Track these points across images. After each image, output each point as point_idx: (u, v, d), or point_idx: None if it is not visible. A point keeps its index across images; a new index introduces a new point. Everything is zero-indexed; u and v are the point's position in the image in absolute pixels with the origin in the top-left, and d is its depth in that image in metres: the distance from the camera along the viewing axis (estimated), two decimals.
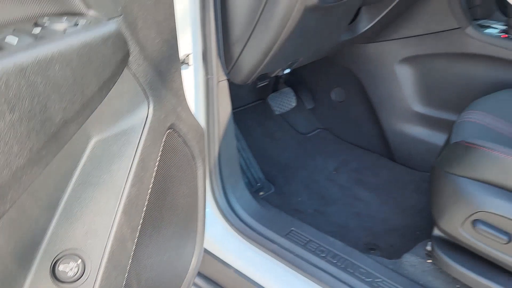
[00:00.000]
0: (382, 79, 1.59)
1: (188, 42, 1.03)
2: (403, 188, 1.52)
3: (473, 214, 0.89)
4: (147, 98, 0.65)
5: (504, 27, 1.41)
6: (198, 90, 1.07)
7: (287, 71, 1.30)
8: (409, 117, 1.59)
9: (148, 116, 0.65)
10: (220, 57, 1.06)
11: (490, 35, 1.38)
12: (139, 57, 0.63)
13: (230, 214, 1.15)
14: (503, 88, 1.31)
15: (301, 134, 1.80)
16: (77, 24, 0.48)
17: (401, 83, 1.56)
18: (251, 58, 1.06)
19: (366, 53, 1.57)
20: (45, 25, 0.46)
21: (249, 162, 1.49)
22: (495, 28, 1.43)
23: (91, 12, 0.54)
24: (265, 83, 1.57)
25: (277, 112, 1.73)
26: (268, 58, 1.07)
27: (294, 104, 1.75)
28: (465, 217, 0.90)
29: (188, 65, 1.05)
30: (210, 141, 1.08)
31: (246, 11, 1.00)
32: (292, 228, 1.17)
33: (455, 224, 0.92)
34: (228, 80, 1.11)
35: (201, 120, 1.07)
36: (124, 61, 0.56)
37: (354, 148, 1.74)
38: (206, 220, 0.90)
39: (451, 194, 0.93)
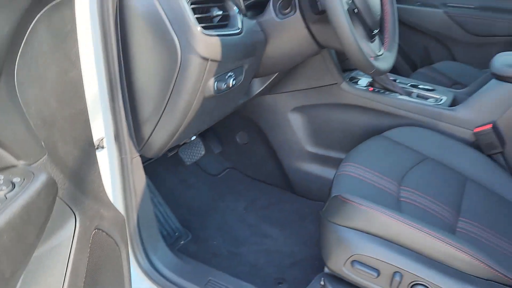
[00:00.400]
0: (278, 125, 1.81)
1: (100, 126, 1.14)
2: (304, 219, 1.75)
3: (351, 256, 1.12)
4: (74, 213, 0.77)
5: (370, 80, 1.70)
6: (114, 169, 1.18)
7: (193, 138, 1.45)
8: (304, 156, 1.83)
9: (76, 228, 0.76)
10: (131, 137, 1.19)
11: (360, 88, 1.66)
12: (63, 181, 0.75)
13: (153, 273, 1.28)
14: (374, 133, 1.59)
15: (212, 176, 1.97)
16: (14, 185, 0.59)
17: (294, 128, 1.79)
18: (161, 136, 1.20)
19: (263, 104, 1.79)
20: None
21: (166, 215, 1.62)
22: (365, 81, 1.72)
23: (21, 162, 0.65)
24: (174, 152, 1.71)
25: (188, 163, 1.87)
26: (176, 135, 1.22)
27: (203, 152, 1.91)
28: (345, 259, 1.13)
29: (103, 148, 1.16)
30: (129, 214, 1.20)
31: (154, 99, 1.15)
32: (210, 278, 1.33)
33: (339, 264, 1.14)
34: (141, 155, 1.24)
35: (119, 197, 1.19)
36: (54, 199, 0.68)
37: (261, 185, 1.95)
38: (133, 283, 1.03)
39: (333, 240, 1.16)
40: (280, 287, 1.42)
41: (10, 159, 0.61)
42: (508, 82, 1.46)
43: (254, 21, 1.23)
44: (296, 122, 1.79)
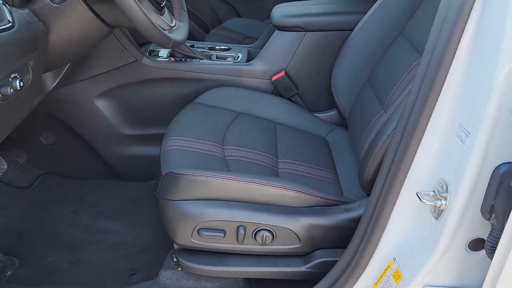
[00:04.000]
0: (87, 116, 1.68)
1: None
2: (139, 203, 1.71)
3: (196, 226, 1.15)
4: None
5: (170, 51, 1.70)
6: None
7: None
8: (123, 140, 1.76)
9: None
10: None
11: (162, 61, 1.65)
12: None
13: None
14: (186, 101, 1.62)
15: (24, 189, 1.74)
16: None
17: (106, 114, 1.69)
18: None
19: (63, 97, 1.62)
20: None
21: None
22: (165, 52, 1.71)
23: None
24: None
25: None
26: None
27: (5, 166, 1.67)
28: (191, 230, 1.16)
29: None
30: None
31: None
32: None
33: (187, 237, 1.17)
34: None
35: None
36: None
37: (85, 182, 1.81)
38: None
39: (175, 216, 1.17)
40: (134, 278, 1.38)
41: None
42: (288, 31, 1.64)
43: (26, 10, 1.08)
44: (106, 108, 1.69)
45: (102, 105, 1.68)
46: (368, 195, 1.18)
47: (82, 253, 1.49)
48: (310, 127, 1.60)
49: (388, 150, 0.94)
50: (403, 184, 0.90)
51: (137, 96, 1.68)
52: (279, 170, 1.34)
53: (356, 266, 1.00)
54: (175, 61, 1.65)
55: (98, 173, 1.83)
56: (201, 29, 2.47)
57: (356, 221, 1.15)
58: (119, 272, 1.41)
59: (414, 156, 0.87)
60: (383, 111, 1.28)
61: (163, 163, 1.27)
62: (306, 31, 1.61)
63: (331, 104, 1.66)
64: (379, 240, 0.97)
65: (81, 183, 1.80)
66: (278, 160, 1.38)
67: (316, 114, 1.66)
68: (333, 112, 1.66)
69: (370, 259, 0.99)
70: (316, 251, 1.20)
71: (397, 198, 0.92)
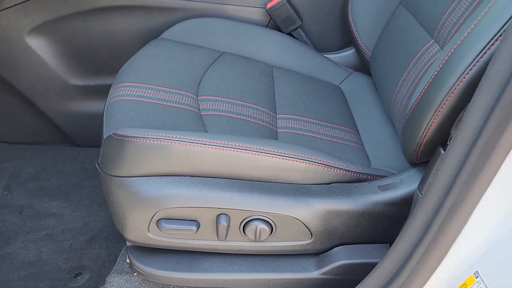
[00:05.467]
0: (19, 60, 1.25)
1: None
2: (94, 176, 1.31)
3: (154, 215, 0.75)
4: None
5: None
6: None
7: None
8: (71, 94, 1.33)
9: None
10: None
11: None
12: None
13: None
14: (150, 37, 1.19)
15: None
16: None
17: (44, 58, 1.26)
18: None
19: None
20: None
21: None
22: None
23: None
24: None
25: None
26: None
27: None
28: (148, 221, 0.76)
29: None
30: None
31: None
32: None
33: (141, 231, 0.78)
34: None
35: None
36: None
37: (26, 149, 1.40)
38: None
39: (123, 200, 0.77)
40: (79, 281, 1.00)
41: None
42: None
43: None
44: (43, 49, 1.25)
45: (37, 44, 1.24)
46: (415, 165, 0.78)
47: (12, 245, 1.10)
48: (319, 72, 1.19)
49: (478, 100, 0.53)
50: (506, 157, 0.50)
51: (84, 33, 1.24)
52: (278, 130, 0.93)
53: (409, 282, 0.62)
54: None
55: (42, 136, 1.42)
56: None
57: (396, 204, 0.77)
58: (59, 272, 1.03)
59: None
60: (433, 40, 0.86)
61: (106, 121, 0.85)
62: None
63: (347, 40, 1.24)
64: (451, 243, 0.58)
65: (19, 149, 1.39)
66: (277, 115, 0.97)
67: (326, 55, 1.23)
68: (349, 52, 1.23)
69: (435, 270, 0.60)
70: (335, 249, 0.81)
71: (491, 178, 0.52)
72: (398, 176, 0.79)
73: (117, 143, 0.76)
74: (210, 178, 0.76)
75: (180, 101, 0.91)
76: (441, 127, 0.66)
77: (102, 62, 1.29)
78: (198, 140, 0.74)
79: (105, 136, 0.81)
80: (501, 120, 0.49)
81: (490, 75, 0.51)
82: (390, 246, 0.81)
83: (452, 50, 0.65)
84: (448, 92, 0.63)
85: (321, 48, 1.25)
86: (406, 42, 0.95)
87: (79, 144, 1.43)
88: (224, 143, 0.74)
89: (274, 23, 1.22)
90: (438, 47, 0.84)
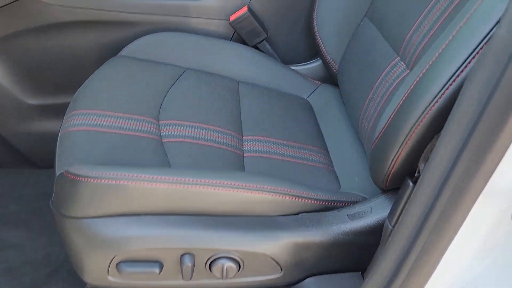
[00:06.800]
0: None
1: None
2: None
3: (113, 258, 0.71)
4: None
5: None
6: None
7: None
8: (29, 113, 1.26)
9: None
10: None
11: None
12: None
13: None
14: (109, 55, 1.13)
15: None
16: None
17: None
18: None
19: None
20: None
21: None
22: None
23: None
24: None
25: None
26: None
27: None
28: (107, 264, 0.72)
29: None
30: None
31: None
32: None
33: (101, 274, 0.73)
34: None
35: None
36: None
37: None
38: None
39: (81, 242, 0.72)
40: None
41: None
42: None
43: None
44: None
45: None
46: (385, 191, 0.76)
47: None
48: (287, 85, 1.15)
49: (450, 128, 0.50)
50: (480, 192, 0.48)
51: (37, 50, 1.17)
52: (244, 154, 0.89)
53: None
54: None
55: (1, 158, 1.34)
56: None
57: (367, 233, 0.75)
58: None
59: (508, 148, 0.44)
60: (398, 57, 0.84)
61: (59, 156, 0.80)
62: None
63: (314, 51, 1.21)
64: (429, 273, 0.56)
65: None
66: (244, 137, 0.94)
67: (293, 67, 1.20)
68: (316, 64, 1.20)
69: None
70: (306, 280, 0.79)
71: (461, 222, 0.50)
72: (368, 203, 0.77)
73: (71, 182, 0.71)
74: (172, 216, 0.72)
75: (140, 128, 0.86)
76: (408, 158, 0.64)
77: (60, 80, 1.23)
78: (158, 178, 0.69)
79: (57, 173, 0.75)
80: (470, 163, 0.46)
81: (461, 108, 0.48)
82: (362, 273, 0.79)
83: (418, 78, 0.63)
84: (415, 123, 0.60)
85: (287, 60, 1.22)
86: (372, 57, 0.93)
87: (40, 166, 1.36)
88: (186, 180, 0.70)
89: (239, 36, 1.18)
90: (404, 66, 0.82)
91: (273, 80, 1.15)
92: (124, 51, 1.10)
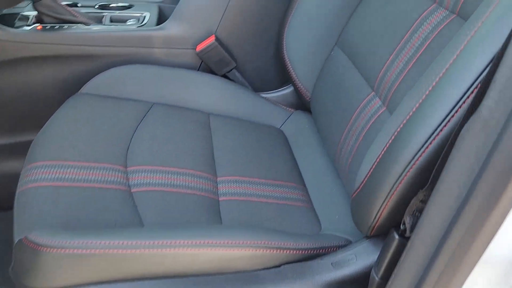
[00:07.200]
0: None
1: None
2: None
3: None
4: None
5: (35, 14, 1.10)
6: None
7: None
8: None
9: None
10: None
11: (23, 31, 1.06)
12: None
13: None
14: (69, 91, 1.06)
15: None
16: None
17: None
18: None
19: None
20: None
21: None
22: (28, 17, 1.11)
23: None
24: None
25: None
26: None
27: None
28: None
29: None
30: None
31: None
32: None
33: None
34: None
35: None
36: None
37: None
38: None
39: None
40: None
41: None
42: None
43: None
44: None
45: None
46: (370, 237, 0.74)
47: None
48: (259, 115, 1.12)
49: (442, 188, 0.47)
50: (477, 261, 0.45)
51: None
52: (220, 198, 0.85)
53: None
54: (44, 29, 1.07)
55: None
56: None
57: (352, 281, 0.72)
58: None
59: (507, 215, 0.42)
60: (373, 93, 0.82)
61: (16, 217, 0.74)
62: None
63: (285, 78, 1.18)
64: None
65: None
66: (218, 178, 0.89)
67: (265, 95, 1.17)
68: (288, 90, 1.17)
69: None
70: None
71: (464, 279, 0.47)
72: (352, 249, 0.74)
73: (31, 251, 0.64)
74: (147, 281, 0.67)
75: (107, 178, 0.81)
76: (392, 212, 0.61)
77: (18, 119, 1.15)
78: (130, 243, 0.64)
79: (16, 239, 0.69)
80: (466, 236, 0.44)
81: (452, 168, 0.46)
82: None
83: (398, 128, 0.60)
84: (398, 178, 0.58)
85: (258, 88, 1.18)
86: (346, 89, 0.90)
87: (2, 207, 1.27)
88: (161, 243, 0.65)
89: (207, 65, 1.14)
90: (380, 102, 0.79)
91: (245, 110, 1.11)
92: (85, 88, 1.04)
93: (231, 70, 1.14)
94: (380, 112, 0.78)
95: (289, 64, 1.08)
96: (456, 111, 0.53)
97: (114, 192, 0.79)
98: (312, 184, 0.94)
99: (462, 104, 0.52)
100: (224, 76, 1.15)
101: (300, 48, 1.07)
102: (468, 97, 0.52)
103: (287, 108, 1.15)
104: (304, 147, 1.05)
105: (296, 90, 1.10)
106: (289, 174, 0.95)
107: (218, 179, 0.89)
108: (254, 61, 1.17)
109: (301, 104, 1.14)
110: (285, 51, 1.08)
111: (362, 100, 0.83)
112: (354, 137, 0.82)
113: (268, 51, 1.16)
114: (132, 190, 0.81)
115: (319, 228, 0.84)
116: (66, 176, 0.78)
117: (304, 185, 0.94)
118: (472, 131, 0.41)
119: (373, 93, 0.82)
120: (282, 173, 0.95)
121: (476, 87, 0.51)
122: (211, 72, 1.14)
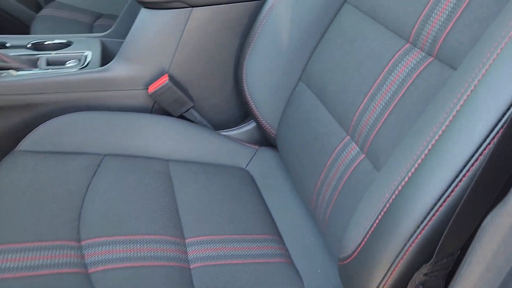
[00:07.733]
0: None
1: None
2: None
3: None
4: None
5: None
6: None
7: None
8: None
9: None
10: None
11: None
12: None
13: None
14: (3, 152, 0.93)
15: None
16: None
17: None
18: None
19: None
20: None
21: None
22: None
23: None
24: None
25: None
26: None
27: None
28: None
29: None
30: None
31: None
32: None
33: None
34: None
35: None
36: None
37: None
38: None
39: None
40: None
41: None
42: (164, 8, 1.00)
43: None
44: None
45: None
46: None
47: None
48: (222, 156, 1.04)
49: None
50: None
51: None
52: (191, 266, 0.76)
53: None
54: None
55: None
56: (27, 7, 1.67)
57: None
58: None
59: None
60: (348, 137, 0.76)
61: None
62: (193, 6, 0.99)
63: (247, 114, 1.11)
64: None
65: None
66: (186, 240, 0.80)
67: (226, 132, 1.09)
68: (251, 126, 1.10)
69: None
70: None
71: None
72: None
73: None
74: None
75: (58, 261, 0.69)
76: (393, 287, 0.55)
77: None
78: None
79: None
80: None
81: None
82: None
83: (393, 196, 0.54)
84: (398, 254, 0.52)
85: (219, 125, 1.10)
86: (316, 130, 0.84)
87: None
88: None
89: (161, 106, 1.04)
90: (357, 148, 0.74)
91: (207, 152, 1.03)
92: (22, 145, 0.91)
93: (188, 109, 1.05)
94: (359, 160, 0.72)
95: (250, 99, 1.01)
96: (464, 175, 0.47)
97: (68, 277, 0.68)
98: (288, 235, 0.87)
99: (470, 168, 0.47)
100: (181, 116, 1.06)
101: (262, 82, 1.00)
102: (477, 159, 0.46)
103: (252, 146, 1.07)
104: (274, 189, 0.98)
105: (260, 126, 1.03)
106: (263, 224, 0.88)
107: (187, 241, 0.80)
108: (212, 98, 1.08)
109: (266, 140, 1.08)
110: (245, 85, 1.01)
111: (336, 144, 0.77)
112: (331, 187, 0.76)
113: (226, 86, 1.08)
114: (89, 271, 0.70)
115: (301, 285, 0.77)
116: (6, 265, 0.67)
117: (280, 236, 0.87)
118: (499, 225, 0.36)
119: (348, 137, 0.76)
120: (255, 225, 0.87)
121: (486, 147, 0.45)
122: (166, 113, 1.05)
